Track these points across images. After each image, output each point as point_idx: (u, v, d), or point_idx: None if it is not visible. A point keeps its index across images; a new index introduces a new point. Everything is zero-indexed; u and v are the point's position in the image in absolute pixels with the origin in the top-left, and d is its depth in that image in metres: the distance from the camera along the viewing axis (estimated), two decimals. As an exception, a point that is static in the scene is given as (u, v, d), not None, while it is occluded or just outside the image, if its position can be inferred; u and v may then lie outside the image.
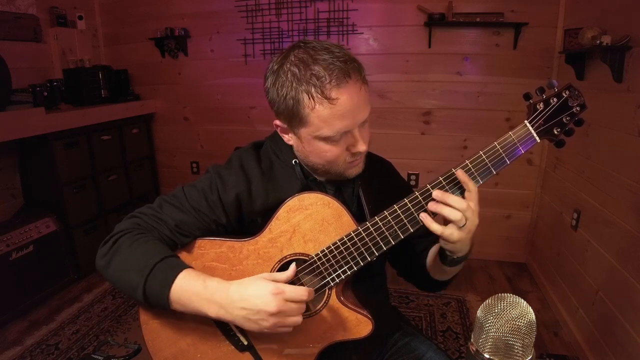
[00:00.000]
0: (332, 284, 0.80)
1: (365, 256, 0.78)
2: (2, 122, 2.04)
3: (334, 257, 0.78)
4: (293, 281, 0.81)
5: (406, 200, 0.75)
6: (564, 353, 1.87)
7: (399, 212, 0.75)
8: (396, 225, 0.76)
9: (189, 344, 0.84)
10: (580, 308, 1.88)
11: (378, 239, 0.77)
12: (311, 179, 0.89)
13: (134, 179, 3.03)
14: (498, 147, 0.73)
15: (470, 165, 0.73)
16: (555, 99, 0.72)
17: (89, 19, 3.00)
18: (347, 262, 0.78)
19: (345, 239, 0.78)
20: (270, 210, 0.82)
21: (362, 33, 2.65)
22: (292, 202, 0.80)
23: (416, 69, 2.62)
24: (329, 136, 0.77)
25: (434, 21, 2.45)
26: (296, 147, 0.86)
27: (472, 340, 0.59)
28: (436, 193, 0.72)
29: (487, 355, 0.56)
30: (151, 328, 0.84)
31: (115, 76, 2.96)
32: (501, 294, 0.58)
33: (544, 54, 2.41)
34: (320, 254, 0.79)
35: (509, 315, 0.55)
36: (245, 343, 0.82)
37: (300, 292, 0.71)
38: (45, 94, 2.49)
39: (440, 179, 0.74)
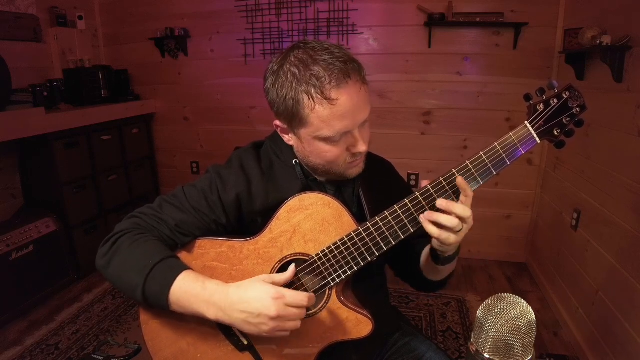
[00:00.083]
0: (332, 284, 0.80)
1: (365, 256, 0.78)
2: (2, 122, 2.04)
3: (335, 257, 0.78)
4: (293, 281, 0.81)
5: (406, 201, 0.75)
6: (564, 353, 1.87)
7: (399, 212, 0.75)
8: (396, 226, 0.76)
9: (189, 343, 0.84)
10: (580, 308, 1.88)
11: (378, 239, 0.77)
12: (311, 179, 0.89)
13: (134, 179, 3.03)
14: (498, 147, 0.73)
15: (470, 166, 0.73)
16: (555, 100, 0.72)
17: (89, 19, 3.00)
18: (347, 262, 0.78)
19: (346, 239, 0.78)
20: (271, 210, 0.82)
21: (362, 33, 2.65)
22: (293, 202, 0.80)
23: (416, 69, 2.62)
24: (329, 137, 0.77)
25: (434, 21, 2.45)
26: (296, 148, 0.86)
27: (472, 340, 0.59)
28: (440, 202, 0.72)
29: (487, 355, 0.56)
30: (151, 328, 0.85)
31: (115, 76, 2.96)
32: (501, 294, 0.58)
33: (544, 54, 2.41)
34: (321, 254, 0.79)
35: (509, 315, 0.55)
36: (246, 343, 0.82)
37: (301, 297, 0.71)
38: (45, 94, 2.49)
39: (441, 179, 0.74)
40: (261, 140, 0.96)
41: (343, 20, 2.65)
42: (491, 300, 0.58)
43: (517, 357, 0.55)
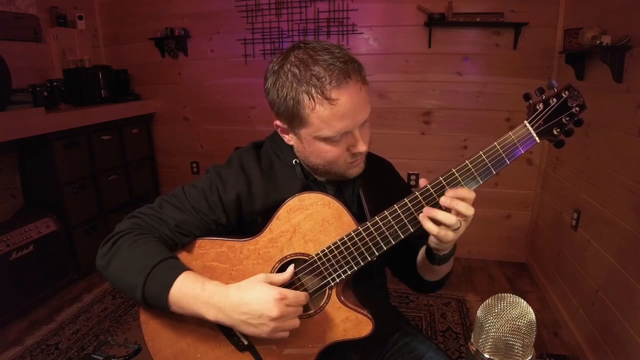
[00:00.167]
0: (332, 283, 0.80)
1: (365, 256, 0.78)
2: (2, 122, 2.04)
3: (334, 257, 0.78)
4: (293, 281, 0.81)
5: (406, 200, 0.75)
6: (564, 353, 1.87)
7: (399, 212, 0.76)
8: (396, 225, 0.76)
9: (189, 344, 0.84)
10: (580, 308, 1.88)
11: (378, 238, 0.77)
12: (311, 179, 0.89)
13: (134, 179, 3.03)
14: (498, 147, 0.73)
15: (470, 165, 0.73)
16: (554, 100, 0.72)
17: (89, 19, 3.00)
18: (347, 262, 0.78)
19: (346, 238, 0.78)
20: (271, 210, 0.82)
21: (362, 33, 2.65)
22: (293, 202, 0.80)
23: (416, 69, 2.62)
24: (329, 137, 0.77)
25: (434, 21, 2.45)
26: (296, 148, 0.86)
27: (472, 340, 0.59)
28: (444, 200, 0.72)
29: (487, 355, 0.56)
30: (151, 328, 0.85)
31: (115, 76, 2.96)
32: (501, 294, 0.58)
33: (544, 54, 2.41)
34: (321, 254, 0.79)
35: (509, 315, 0.55)
36: (246, 343, 0.82)
37: (301, 296, 0.72)
38: (45, 94, 2.49)
39: (440, 178, 0.74)
40: (261, 140, 0.96)
41: (343, 20, 2.65)
42: (491, 300, 0.58)
43: (517, 357, 0.55)
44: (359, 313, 0.80)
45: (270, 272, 0.81)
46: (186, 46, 2.99)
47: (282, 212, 0.80)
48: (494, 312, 0.56)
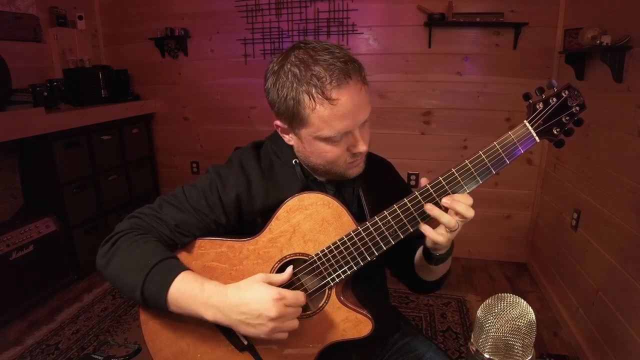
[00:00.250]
0: (332, 283, 0.80)
1: (365, 256, 0.78)
2: (2, 122, 2.04)
3: (334, 257, 0.78)
4: (292, 281, 0.81)
5: (406, 200, 0.75)
6: (564, 353, 1.87)
7: (399, 212, 0.76)
8: (396, 225, 0.76)
9: (189, 343, 0.84)
10: (580, 308, 1.88)
11: (378, 238, 0.77)
12: (311, 179, 0.89)
13: (134, 179, 3.03)
14: (497, 147, 0.73)
15: (469, 165, 0.73)
16: (554, 99, 0.72)
17: (89, 19, 3.00)
18: (347, 262, 0.78)
19: (345, 238, 0.78)
20: (270, 210, 0.82)
21: (362, 33, 2.65)
22: (292, 202, 0.80)
23: (416, 69, 2.62)
24: (329, 137, 0.77)
25: (434, 21, 2.45)
26: (297, 148, 0.86)
27: (472, 340, 0.59)
28: (445, 200, 0.72)
29: (487, 355, 0.56)
30: (151, 328, 0.85)
31: (115, 76, 2.96)
32: (501, 294, 0.58)
33: (544, 54, 2.41)
34: (320, 254, 0.79)
35: (509, 315, 0.55)
36: (246, 343, 0.82)
37: (300, 296, 0.72)
38: (45, 94, 2.49)
39: (440, 178, 0.74)
40: (261, 140, 0.96)
41: (343, 20, 2.65)
42: (491, 300, 0.58)
43: (517, 357, 0.55)
44: (359, 313, 0.80)
45: (270, 272, 0.81)
46: (186, 46, 2.99)
47: (282, 212, 0.80)
48: (494, 312, 0.56)
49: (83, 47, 2.93)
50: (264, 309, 0.69)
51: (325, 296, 0.81)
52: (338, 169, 0.83)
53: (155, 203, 0.86)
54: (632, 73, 1.59)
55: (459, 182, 0.74)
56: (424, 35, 2.54)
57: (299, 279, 0.82)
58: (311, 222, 0.79)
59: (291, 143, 0.86)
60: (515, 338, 0.55)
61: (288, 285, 0.79)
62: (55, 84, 2.60)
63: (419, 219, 0.75)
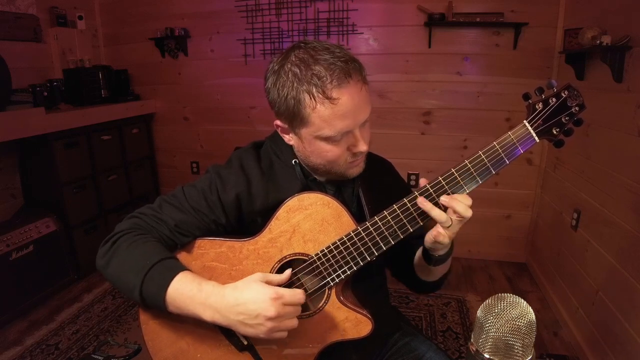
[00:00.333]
0: (332, 284, 0.80)
1: (365, 256, 0.78)
2: (2, 122, 2.04)
3: (334, 257, 0.78)
4: (292, 281, 0.81)
5: (405, 200, 0.75)
6: (564, 353, 1.87)
7: (399, 211, 0.76)
8: (395, 226, 0.76)
9: (189, 343, 0.84)
10: (580, 308, 1.88)
11: (378, 238, 0.77)
12: (311, 179, 0.89)
13: (134, 179, 3.03)
14: (497, 147, 0.73)
15: (469, 165, 0.74)
16: (554, 99, 0.72)
17: (89, 19, 3.00)
18: (347, 262, 0.78)
19: (345, 238, 0.78)
20: (270, 210, 0.82)
21: (362, 33, 2.65)
22: (292, 202, 0.80)
23: (416, 69, 2.62)
24: (330, 136, 0.77)
25: (434, 21, 2.45)
26: (297, 148, 0.86)
27: (472, 340, 0.59)
28: (444, 199, 0.73)
29: (487, 355, 0.56)
30: (151, 328, 0.85)
31: (115, 76, 2.96)
32: (501, 294, 0.58)
33: (544, 54, 2.41)
34: (320, 254, 0.79)
35: (509, 315, 0.55)
36: (245, 343, 0.82)
37: (298, 295, 0.71)
38: (45, 94, 2.49)
39: (440, 178, 0.74)
40: (261, 140, 0.96)
41: (343, 20, 2.65)
42: (491, 300, 0.58)
43: (517, 357, 0.55)
44: (359, 313, 0.80)
45: (270, 272, 0.81)
46: (186, 46, 2.99)
47: (282, 212, 0.80)
48: (494, 312, 0.56)
49: (83, 47, 2.93)
50: (261, 309, 0.69)
51: (325, 296, 0.81)
52: (338, 169, 0.83)
53: (155, 203, 0.86)
54: (632, 73, 1.59)
55: (458, 182, 0.74)
56: (424, 35, 2.54)
57: (298, 279, 0.82)
58: (311, 222, 0.79)
59: (291, 143, 0.86)
60: (515, 338, 0.55)
61: (288, 285, 0.79)
62: (55, 84, 2.60)
63: (418, 219, 0.75)
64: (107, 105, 2.79)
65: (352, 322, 0.80)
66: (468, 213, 0.72)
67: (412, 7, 2.52)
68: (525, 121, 0.73)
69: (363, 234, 0.77)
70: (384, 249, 0.77)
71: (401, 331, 1.02)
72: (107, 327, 2.10)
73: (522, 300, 0.57)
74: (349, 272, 0.79)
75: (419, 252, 0.88)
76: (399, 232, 0.76)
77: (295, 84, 0.75)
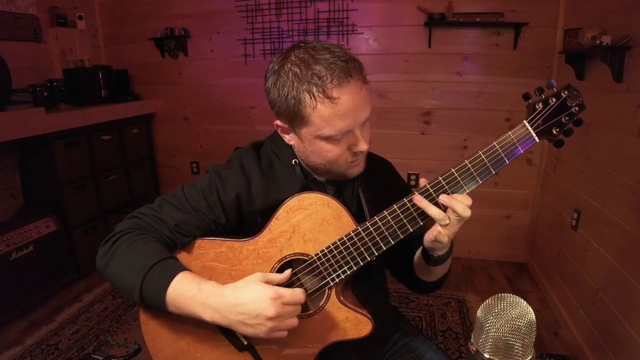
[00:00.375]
0: (332, 284, 0.80)
1: (365, 256, 0.78)
2: (2, 122, 2.04)
3: (334, 257, 0.78)
4: (292, 281, 0.81)
5: (405, 200, 0.75)
6: (564, 353, 1.87)
7: (399, 211, 0.76)
8: (395, 226, 0.76)
9: (189, 343, 0.84)
10: (580, 308, 1.88)
11: (378, 239, 0.77)
12: (311, 179, 0.89)
13: (134, 179, 3.03)
14: (497, 147, 0.73)
15: (469, 165, 0.73)
16: (554, 99, 0.72)
17: (89, 19, 3.00)
18: (346, 262, 0.78)
19: (345, 238, 0.78)
20: (270, 210, 0.82)
21: (362, 33, 2.65)
22: (292, 202, 0.80)
23: (416, 69, 2.62)
24: (330, 136, 0.77)
25: (434, 21, 2.45)
26: (297, 147, 0.86)
27: (472, 340, 0.59)
28: (443, 198, 0.73)
29: (487, 355, 0.56)
30: (151, 328, 0.84)
31: (115, 76, 2.96)
32: (501, 294, 0.58)
33: (544, 54, 2.41)
34: (320, 254, 0.79)
35: (509, 315, 0.55)
36: (245, 343, 0.82)
37: (298, 294, 0.71)
38: (45, 94, 2.49)
39: (440, 178, 0.74)
40: (261, 140, 0.96)
41: (343, 20, 2.65)
42: (491, 300, 0.58)
43: (517, 357, 0.55)
44: (359, 313, 0.80)
45: (270, 272, 0.81)
46: (186, 46, 2.99)
47: (282, 212, 0.80)
48: (494, 312, 0.56)
49: (83, 47, 2.93)
50: (261, 309, 0.69)
51: (325, 296, 0.81)
52: (339, 169, 0.83)
53: (155, 203, 0.86)
54: (632, 73, 1.59)
55: (458, 182, 0.74)
56: (424, 35, 2.54)
57: (298, 279, 0.82)
58: (311, 222, 0.79)
59: (291, 143, 0.86)
60: (515, 338, 0.55)
61: (288, 285, 0.79)
62: (55, 84, 2.60)
63: (418, 219, 0.75)
64: (107, 105, 2.79)
65: (352, 322, 0.80)
66: (467, 213, 0.72)
67: (412, 7, 2.52)
68: (525, 121, 0.73)
69: (363, 234, 0.77)
70: (384, 249, 0.77)
71: (401, 331, 1.02)
72: (107, 327, 2.10)
73: (522, 300, 0.57)
74: (349, 272, 0.79)
75: (418, 252, 0.88)
76: (399, 232, 0.76)
77: (295, 84, 0.75)
